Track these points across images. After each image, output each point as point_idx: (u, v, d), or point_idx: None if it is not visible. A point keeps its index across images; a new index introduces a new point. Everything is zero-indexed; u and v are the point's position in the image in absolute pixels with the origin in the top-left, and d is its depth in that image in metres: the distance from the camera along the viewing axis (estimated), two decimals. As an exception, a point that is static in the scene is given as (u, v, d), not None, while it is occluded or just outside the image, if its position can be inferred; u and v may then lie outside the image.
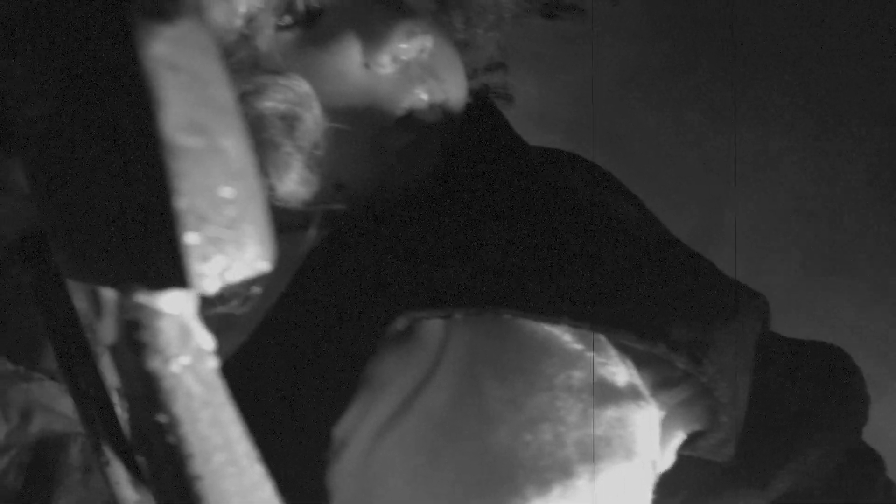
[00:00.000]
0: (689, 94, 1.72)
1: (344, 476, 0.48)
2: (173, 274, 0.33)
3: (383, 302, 0.47)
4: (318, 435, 0.48)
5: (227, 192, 0.32)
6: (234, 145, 0.32)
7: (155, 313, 0.36)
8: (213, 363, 0.38)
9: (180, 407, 0.37)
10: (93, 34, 0.32)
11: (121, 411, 0.58)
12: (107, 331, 0.48)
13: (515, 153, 0.56)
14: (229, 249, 0.33)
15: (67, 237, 0.42)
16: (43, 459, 1.18)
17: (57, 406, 1.21)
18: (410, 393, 0.47)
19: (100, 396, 0.56)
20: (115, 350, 0.49)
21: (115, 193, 0.34)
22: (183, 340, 0.37)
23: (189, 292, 0.34)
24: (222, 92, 0.32)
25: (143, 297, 0.36)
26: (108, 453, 0.57)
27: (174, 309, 0.36)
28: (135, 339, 0.37)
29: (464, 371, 0.46)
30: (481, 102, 0.57)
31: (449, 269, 0.48)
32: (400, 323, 0.47)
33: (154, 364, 0.37)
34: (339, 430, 0.49)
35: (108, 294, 0.48)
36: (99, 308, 0.48)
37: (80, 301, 0.52)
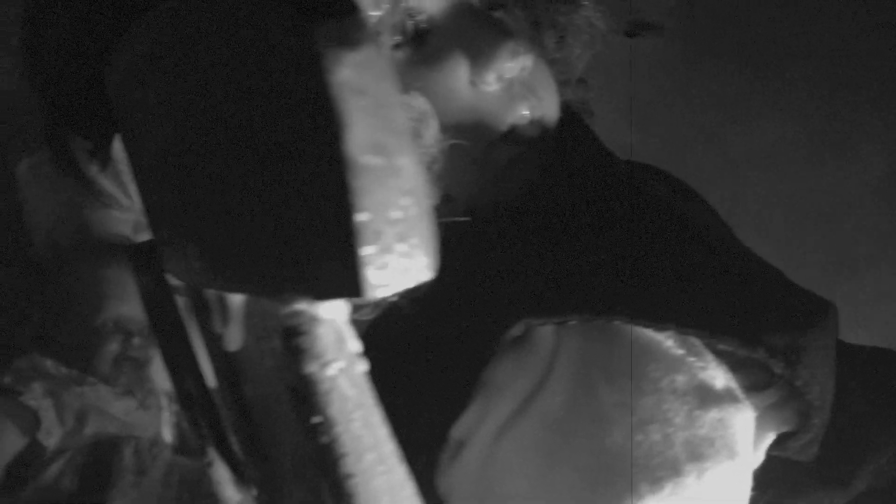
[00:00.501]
0: (702, 89, 1.73)
1: (464, 475, 0.51)
2: (348, 284, 0.35)
3: (499, 309, 0.50)
4: (436, 436, 0.50)
5: (401, 207, 0.35)
6: (409, 164, 0.35)
7: (314, 320, 0.38)
8: (363, 367, 0.40)
9: (335, 409, 0.39)
10: (278, 59, 0.34)
11: (227, 412, 0.59)
12: (233, 337, 0.51)
13: (608, 165, 0.58)
14: (401, 261, 0.35)
15: (205, 248, 0.45)
16: (97, 462, 1.20)
17: (110, 409, 1.23)
18: (527, 396, 0.50)
19: (205, 399, 0.58)
20: (243, 355, 0.52)
21: (285, 209, 0.36)
22: (338, 346, 0.39)
23: (356, 301, 0.36)
24: (399, 114, 0.34)
25: (303, 305, 0.38)
26: (212, 454, 0.59)
27: (331, 315, 0.39)
28: (293, 345, 0.39)
29: (577, 375, 0.49)
30: (570, 116, 0.59)
31: (560, 278, 0.50)
32: (517, 329, 0.50)
33: (311, 368, 0.39)
34: (456, 431, 0.51)
35: (237, 302, 0.50)
36: (226, 315, 0.51)
37: (197, 309, 0.54)
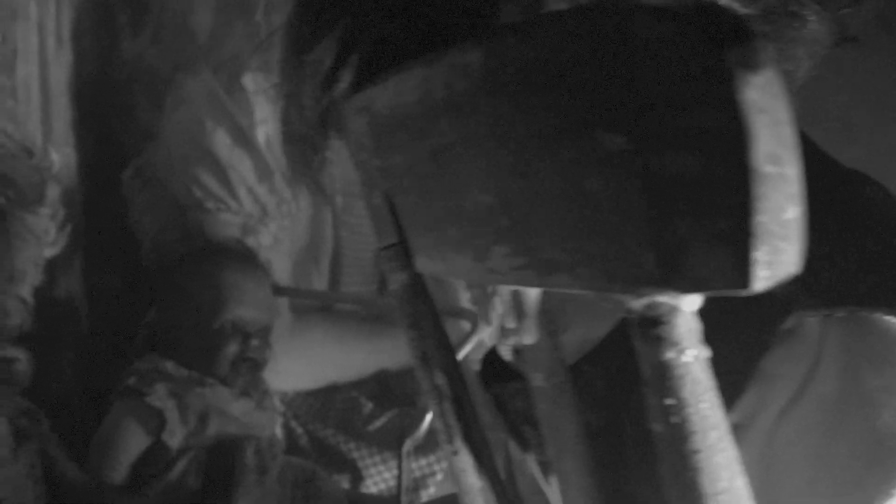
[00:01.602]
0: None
1: (745, 456, 0.55)
2: (738, 278, 0.39)
3: (772, 304, 0.54)
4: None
5: (786, 210, 0.39)
6: (794, 173, 0.39)
7: (675, 311, 0.43)
8: (707, 353, 0.44)
9: (687, 391, 0.43)
10: (687, 81, 0.39)
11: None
12: (529, 331, 0.55)
13: (835, 168, 0.63)
14: (781, 257, 0.39)
15: (535, 249, 0.49)
16: (220, 461, 1.23)
17: (230, 410, 1.26)
18: (801, 383, 0.54)
19: (454, 393, 0.62)
20: (535, 348, 0.56)
21: (670, 215, 0.41)
22: (692, 334, 0.43)
23: (735, 293, 0.40)
24: (789, 129, 0.39)
25: (664, 298, 0.43)
26: (458, 444, 0.63)
27: (689, 306, 0.43)
28: (653, 334, 0.43)
29: (844, 363, 0.54)
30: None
31: (824, 276, 0.55)
32: (790, 322, 0.55)
33: (670, 355, 0.43)
34: (733, 416, 0.56)
35: (532, 298, 0.55)
36: (521, 312, 0.55)
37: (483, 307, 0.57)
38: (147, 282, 1.42)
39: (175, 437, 1.22)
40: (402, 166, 0.59)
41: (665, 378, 0.43)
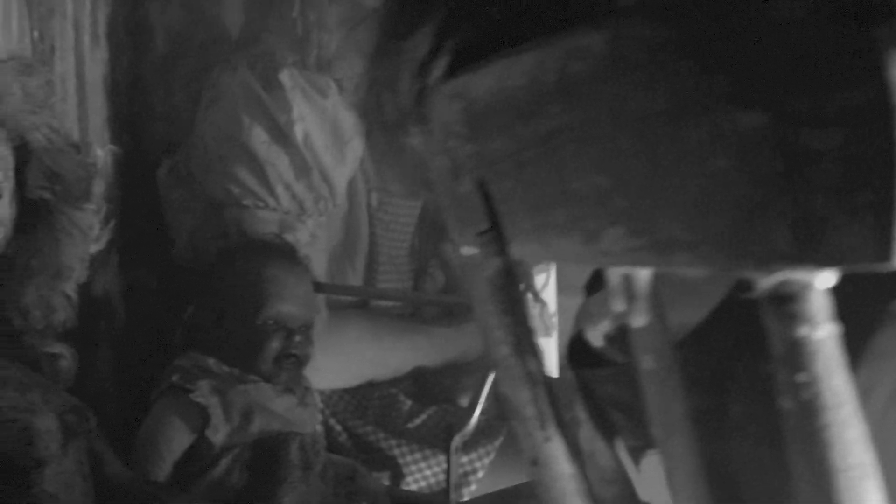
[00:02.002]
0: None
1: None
2: (881, 252, 0.40)
3: (883, 285, 0.55)
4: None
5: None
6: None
7: (808, 287, 0.43)
8: (838, 329, 0.44)
9: (820, 367, 0.44)
10: (838, 58, 0.39)
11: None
12: (640, 312, 0.55)
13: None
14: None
15: (640, 228, 0.49)
16: (264, 457, 1.23)
17: (273, 406, 1.27)
18: (914, 362, 0.55)
19: (546, 379, 0.62)
20: (644, 331, 0.56)
21: (812, 190, 0.41)
22: (824, 310, 0.44)
23: (873, 268, 0.41)
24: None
25: (801, 274, 0.43)
26: (551, 430, 0.63)
27: (822, 283, 0.43)
28: (786, 311, 0.43)
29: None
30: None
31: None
32: (901, 303, 0.55)
33: (803, 332, 0.43)
34: None
35: (643, 280, 0.55)
36: (632, 293, 0.55)
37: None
38: (182, 279, 1.42)
39: (219, 433, 1.22)
40: (500, 151, 0.59)
41: (798, 354, 0.44)
